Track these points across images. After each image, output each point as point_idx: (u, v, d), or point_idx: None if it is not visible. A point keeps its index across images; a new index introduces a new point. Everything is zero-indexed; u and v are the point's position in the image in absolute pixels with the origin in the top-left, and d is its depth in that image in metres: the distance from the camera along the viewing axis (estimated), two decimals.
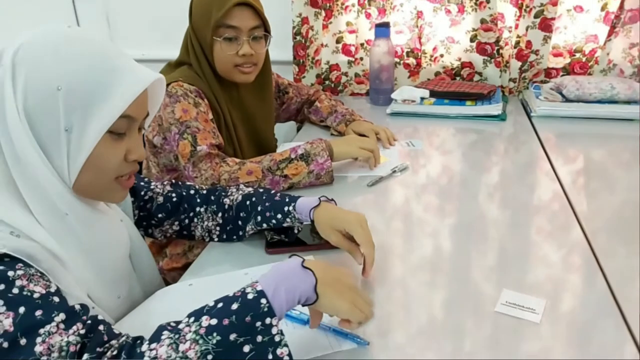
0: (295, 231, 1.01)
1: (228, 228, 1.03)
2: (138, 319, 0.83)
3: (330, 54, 1.98)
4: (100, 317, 0.67)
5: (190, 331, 0.62)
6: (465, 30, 1.85)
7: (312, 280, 0.70)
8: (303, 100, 1.69)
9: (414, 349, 0.75)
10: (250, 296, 0.65)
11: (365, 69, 1.96)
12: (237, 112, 1.42)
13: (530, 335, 0.76)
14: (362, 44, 1.96)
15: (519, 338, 0.75)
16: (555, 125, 1.62)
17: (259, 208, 0.98)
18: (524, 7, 1.77)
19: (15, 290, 0.62)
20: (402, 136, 1.58)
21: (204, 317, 0.64)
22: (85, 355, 0.61)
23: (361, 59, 1.97)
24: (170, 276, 1.38)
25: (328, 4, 1.88)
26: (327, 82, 2.01)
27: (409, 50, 1.92)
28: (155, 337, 0.63)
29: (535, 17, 1.75)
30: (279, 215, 0.96)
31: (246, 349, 0.62)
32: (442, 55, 1.92)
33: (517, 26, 1.81)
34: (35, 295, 0.63)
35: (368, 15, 1.90)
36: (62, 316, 0.63)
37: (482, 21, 1.80)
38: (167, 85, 1.27)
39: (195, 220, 1.04)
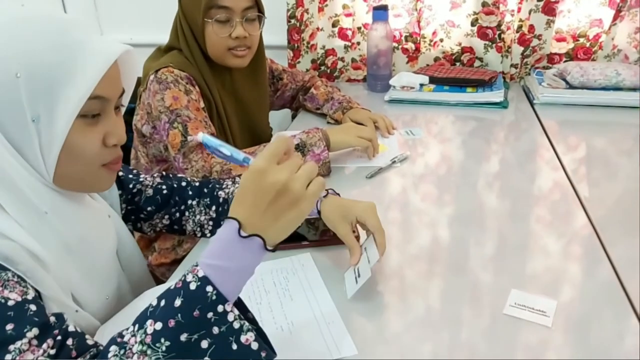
0: None
1: (222, 222, 0.96)
2: (125, 320, 0.77)
3: (326, 38, 1.92)
4: (71, 329, 0.62)
5: (136, 342, 0.56)
6: (466, 14, 1.79)
7: (259, 243, 0.59)
8: (298, 86, 1.63)
9: (411, 339, 0.74)
10: (192, 286, 0.56)
11: (363, 54, 1.90)
12: (230, 99, 1.36)
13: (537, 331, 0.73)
14: (359, 28, 1.90)
15: (518, 332, 0.73)
16: (558, 113, 1.58)
17: None
18: None
19: None
20: (401, 124, 1.53)
21: (148, 322, 0.56)
22: None
23: (358, 43, 1.91)
24: (158, 271, 1.33)
25: None
26: (322, 67, 1.95)
27: (407, 34, 1.86)
28: (104, 354, 0.57)
29: (539, 0, 1.69)
30: None
31: (204, 344, 0.55)
32: (441, 40, 1.86)
33: (519, 9, 1.76)
34: (10, 304, 0.58)
35: None
36: (34, 331, 0.58)
37: (484, 4, 1.75)
38: (157, 71, 1.21)
39: (187, 214, 0.99)
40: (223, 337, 0.56)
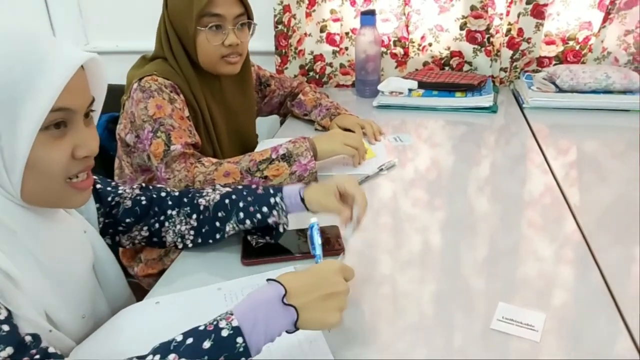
0: (281, 230, 0.94)
1: (204, 230, 0.95)
2: (102, 340, 0.76)
3: (314, 43, 1.90)
4: (51, 350, 0.60)
5: None
6: (455, 18, 1.78)
7: (292, 317, 0.63)
8: (286, 93, 1.61)
9: (403, 345, 0.73)
10: (224, 333, 0.59)
11: (351, 59, 1.88)
12: (219, 107, 1.34)
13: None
14: (347, 33, 1.88)
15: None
16: (548, 117, 1.57)
17: (241, 204, 0.92)
18: None
19: None
20: (390, 130, 1.51)
21: (171, 356, 0.57)
22: None
23: (346, 48, 1.90)
24: (145, 282, 1.31)
25: None
26: (311, 73, 1.94)
27: (396, 39, 1.85)
28: None
29: (527, 3, 1.69)
30: (265, 209, 0.91)
31: None
32: (430, 44, 1.85)
33: (508, 13, 1.74)
34: None
35: (353, 3, 1.82)
36: (9, 350, 0.56)
37: (472, 8, 1.73)
38: (140, 79, 1.19)
39: (167, 224, 0.96)
40: None
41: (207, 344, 0.58)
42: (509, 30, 1.75)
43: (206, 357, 0.57)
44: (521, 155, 1.35)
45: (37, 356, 0.58)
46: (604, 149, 1.37)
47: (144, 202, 0.95)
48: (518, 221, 1.04)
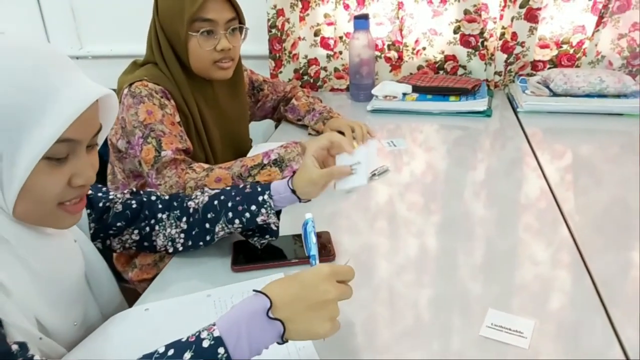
0: (274, 227, 0.93)
1: (194, 232, 0.94)
2: (92, 347, 0.76)
3: (308, 47, 1.90)
4: (37, 358, 0.60)
5: None
6: (448, 22, 1.78)
7: (279, 330, 0.61)
8: (279, 97, 1.61)
9: (400, 349, 0.73)
10: (205, 344, 0.58)
11: (345, 63, 1.88)
12: (212, 112, 1.34)
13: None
14: (340, 37, 1.88)
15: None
16: (542, 120, 1.57)
17: (230, 204, 0.91)
18: None
19: None
20: (384, 134, 1.51)
21: None
22: None
23: (340, 52, 1.90)
24: (140, 287, 1.30)
25: None
26: (305, 77, 1.93)
27: (390, 43, 1.85)
28: None
29: (521, 7, 1.69)
30: (253, 207, 0.89)
31: None
32: (424, 48, 1.84)
33: (502, 17, 1.74)
34: None
35: (346, 7, 1.82)
36: None
37: (466, 12, 1.73)
38: (131, 85, 1.18)
39: (157, 227, 0.95)
40: None
41: (187, 355, 0.57)
42: (502, 34, 1.75)
43: None
44: (515, 160, 1.35)
45: None
46: (598, 153, 1.37)
47: (134, 206, 0.95)
48: (511, 226, 1.04)
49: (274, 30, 1.80)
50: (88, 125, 0.67)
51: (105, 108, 0.71)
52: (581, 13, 1.72)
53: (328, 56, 1.90)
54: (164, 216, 0.96)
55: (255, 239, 0.95)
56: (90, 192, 0.92)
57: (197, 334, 0.59)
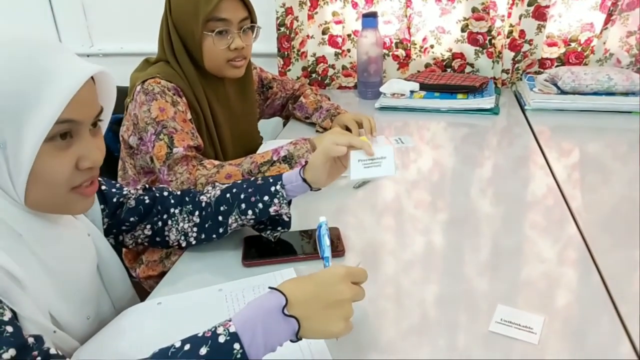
0: (286, 219, 0.95)
1: (207, 225, 0.95)
2: (105, 341, 0.77)
3: (316, 45, 1.91)
4: (52, 351, 0.61)
5: None
6: (456, 20, 1.78)
7: (294, 328, 0.62)
8: (288, 95, 1.62)
9: (407, 345, 0.74)
10: (221, 339, 0.58)
11: (353, 61, 1.89)
12: (223, 109, 1.35)
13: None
14: (349, 35, 1.89)
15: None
16: (549, 118, 1.57)
17: (242, 196, 0.92)
18: None
19: None
20: (392, 131, 1.52)
21: None
22: None
23: (348, 50, 1.91)
24: (147, 284, 1.32)
25: None
26: (313, 75, 1.94)
27: (397, 41, 1.85)
28: None
29: (529, 5, 1.69)
30: (266, 197, 0.91)
31: None
32: (432, 46, 1.85)
33: (509, 15, 1.75)
34: None
35: (355, 5, 1.83)
36: (11, 352, 0.57)
37: (474, 10, 1.73)
38: (143, 82, 1.20)
39: (170, 222, 0.97)
40: None
41: (203, 350, 0.58)
42: (510, 32, 1.76)
43: None
44: (523, 157, 1.36)
45: (39, 358, 0.58)
46: (606, 151, 1.37)
47: (147, 201, 0.96)
48: (519, 223, 1.04)
49: (282, 29, 1.81)
50: (86, 105, 0.68)
51: (102, 89, 0.72)
52: (589, 11, 1.72)
53: (336, 54, 1.91)
54: (177, 211, 0.97)
55: (268, 232, 0.97)
56: (104, 187, 0.93)
57: (213, 329, 0.60)
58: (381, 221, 1.08)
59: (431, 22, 1.81)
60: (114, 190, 0.95)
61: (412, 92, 1.71)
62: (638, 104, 1.53)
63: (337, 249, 0.94)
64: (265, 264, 0.93)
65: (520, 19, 1.71)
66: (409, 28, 1.81)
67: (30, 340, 0.60)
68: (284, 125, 1.72)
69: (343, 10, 1.84)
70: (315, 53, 1.92)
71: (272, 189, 0.91)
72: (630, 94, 1.56)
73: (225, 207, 0.94)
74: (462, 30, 1.79)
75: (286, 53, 1.86)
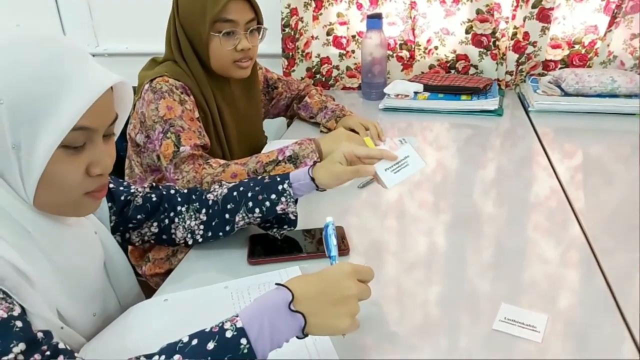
0: (292, 217, 0.96)
1: (213, 223, 0.96)
2: (111, 337, 0.78)
3: (320, 46, 1.92)
4: (61, 346, 0.62)
5: None
6: (461, 21, 1.79)
7: (300, 323, 0.63)
8: (293, 95, 1.63)
9: (408, 346, 0.74)
10: (228, 334, 0.59)
11: (357, 62, 1.90)
12: (229, 109, 1.36)
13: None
14: (353, 36, 1.90)
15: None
16: (553, 120, 1.58)
17: (249, 194, 0.93)
18: None
19: None
20: (396, 132, 1.53)
21: (176, 356, 0.58)
22: None
23: (353, 51, 1.91)
24: (153, 282, 1.33)
25: None
26: (317, 75, 1.95)
27: (402, 42, 1.86)
28: None
29: (533, 7, 1.69)
30: (273, 196, 0.92)
31: None
32: (436, 48, 1.86)
33: (514, 17, 1.75)
34: None
35: (359, 6, 1.84)
36: (21, 346, 0.57)
37: (478, 12, 1.74)
38: (152, 80, 1.21)
39: (177, 220, 0.98)
40: None
41: (210, 345, 0.59)
42: (514, 34, 1.76)
43: (209, 358, 0.58)
44: (526, 159, 1.36)
45: (48, 352, 0.59)
46: (609, 153, 1.37)
47: (154, 199, 0.97)
48: (523, 224, 1.05)
49: (287, 29, 1.82)
50: (103, 114, 0.68)
51: (120, 97, 0.73)
52: (593, 13, 1.72)
53: (340, 55, 1.92)
54: (183, 209, 0.98)
55: (275, 230, 0.98)
56: (111, 185, 0.94)
57: (220, 324, 0.61)
58: (385, 221, 1.09)
59: (435, 23, 1.82)
60: (121, 188, 0.96)
61: (416, 93, 1.71)
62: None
63: (341, 248, 0.95)
64: (270, 262, 0.94)
65: (524, 21, 1.72)
66: (413, 29, 1.82)
67: (40, 335, 0.61)
68: (288, 125, 1.72)
69: (348, 12, 1.85)
70: (319, 54, 1.93)
71: (280, 187, 0.92)
72: (634, 96, 1.56)
73: (233, 205, 0.95)
74: (467, 32, 1.79)
75: (291, 54, 1.87)
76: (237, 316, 0.62)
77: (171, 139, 1.16)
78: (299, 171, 0.95)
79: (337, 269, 0.68)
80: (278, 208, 0.92)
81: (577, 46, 1.76)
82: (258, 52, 1.37)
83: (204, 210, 0.97)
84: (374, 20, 1.71)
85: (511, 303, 0.79)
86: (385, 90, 1.73)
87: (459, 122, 1.60)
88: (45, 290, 0.67)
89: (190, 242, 0.99)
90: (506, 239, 1.00)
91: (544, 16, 1.70)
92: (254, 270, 0.92)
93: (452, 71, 1.87)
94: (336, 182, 0.93)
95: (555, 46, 1.78)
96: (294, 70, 1.90)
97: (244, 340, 0.59)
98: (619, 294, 0.81)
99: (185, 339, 0.61)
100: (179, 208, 0.98)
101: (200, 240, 0.98)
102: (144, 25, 2.00)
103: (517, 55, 1.78)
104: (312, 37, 1.89)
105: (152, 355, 0.60)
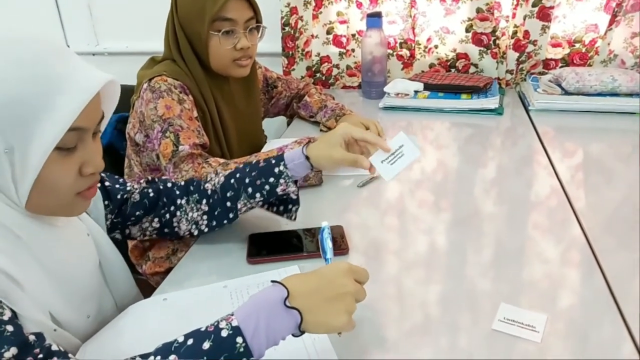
0: (293, 196, 0.97)
1: (216, 212, 0.96)
2: (107, 338, 0.77)
3: (320, 45, 1.91)
4: (55, 348, 0.61)
5: None
6: (461, 20, 1.78)
7: (295, 320, 0.62)
8: (292, 94, 1.63)
9: (407, 345, 0.74)
10: (224, 333, 0.59)
11: (357, 60, 1.89)
12: (229, 108, 1.36)
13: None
14: (353, 35, 1.89)
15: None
16: (553, 119, 1.57)
17: (247, 180, 0.93)
18: None
19: None
20: (396, 131, 1.50)
21: (172, 357, 0.58)
22: None
23: (353, 50, 1.91)
24: (153, 280, 1.33)
25: None
26: (317, 74, 1.95)
27: (402, 41, 1.86)
28: None
29: (534, 5, 1.69)
30: (272, 179, 0.92)
31: None
32: (436, 46, 1.85)
33: (514, 15, 1.75)
34: None
35: (359, 5, 1.83)
36: (13, 350, 0.57)
37: (478, 10, 1.74)
38: (150, 80, 1.21)
39: (178, 213, 0.97)
40: None
41: (206, 345, 0.58)
42: (515, 33, 1.76)
43: (205, 358, 0.57)
44: (527, 157, 1.36)
45: (41, 355, 0.58)
46: (609, 152, 1.37)
47: (151, 194, 0.96)
48: (523, 223, 1.04)
49: (287, 28, 1.82)
50: (93, 113, 0.68)
51: (107, 95, 0.72)
52: (594, 12, 1.71)
53: (340, 54, 1.91)
54: (183, 201, 0.97)
55: (286, 214, 0.98)
56: (107, 183, 0.93)
57: (215, 323, 0.60)
58: (385, 220, 1.09)
59: (435, 22, 1.82)
60: (117, 186, 0.95)
61: (416, 92, 1.71)
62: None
63: (341, 247, 0.95)
64: (269, 261, 0.93)
65: (524, 19, 1.72)
66: (413, 28, 1.81)
67: (32, 338, 0.60)
68: (288, 124, 1.72)
69: (347, 10, 1.85)
70: (319, 53, 1.92)
71: (276, 170, 0.92)
72: (635, 95, 1.56)
73: (232, 193, 0.94)
74: (467, 31, 1.79)
75: (290, 52, 1.86)
76: (232, 315, 0.61)
77: (170, 138, 1.16)
78: (293, 152, 0.94)
79: (334, 267, 0.68)
80: (278, 190, 0.93)
81: (577, 45, 1.76)
82: (258, 51, 1.37)
83: (204, 201, 0.97)
84: (374, 19, 1.70)
85: (511, 303, 0.79)
86: (386, 89, 1.72)
87: (459, 121, 1.60)
88: (36, 294, 0.67)
89: (195, 233, 0.99)
90: (506, 238, 1.00)
91: (544, 15, 1.70)
92: (253, 269, 0.92)
93: (453, 70, 1.87)
94: (334, 167, 0.93)
95: (556, 45, 1.78)
96: (293, 69, 1.89)
97: (239, 339, 0.58)
98: (619, 294, 0.81)
99: (181, 339, 0.60)
100: (178, 201, 0.97)
101: (206, 230, 0.97)
102: (144, 24, 1.99)
103: (517, 54, 1.78)
104: (312, 35, 1.89)
105: (148, 355, 0.60)
